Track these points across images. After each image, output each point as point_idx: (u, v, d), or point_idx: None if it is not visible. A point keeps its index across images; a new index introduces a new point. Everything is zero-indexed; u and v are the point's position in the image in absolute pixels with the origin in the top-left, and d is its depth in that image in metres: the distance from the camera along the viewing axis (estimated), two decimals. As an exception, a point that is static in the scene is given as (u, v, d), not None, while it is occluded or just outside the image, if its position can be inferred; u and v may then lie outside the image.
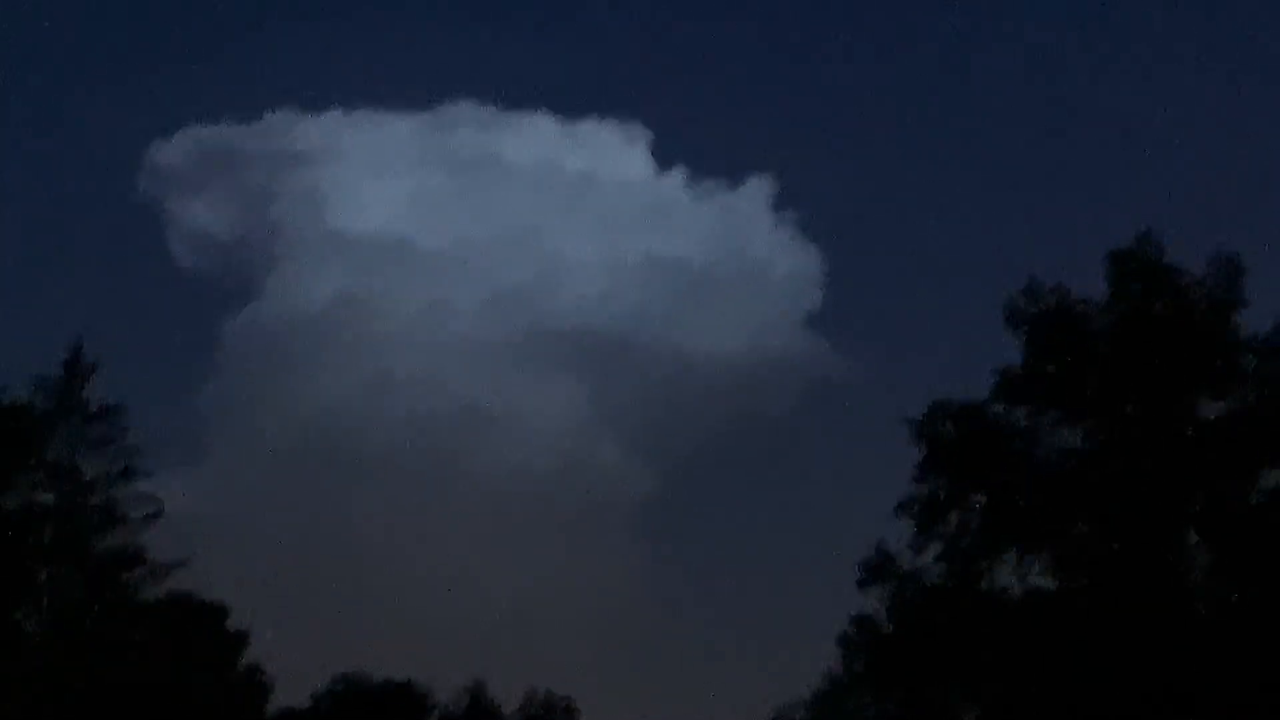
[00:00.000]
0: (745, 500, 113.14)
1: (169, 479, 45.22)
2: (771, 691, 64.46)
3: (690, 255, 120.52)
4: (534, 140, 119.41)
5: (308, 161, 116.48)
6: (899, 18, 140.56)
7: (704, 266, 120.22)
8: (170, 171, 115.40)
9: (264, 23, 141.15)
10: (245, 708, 52.93)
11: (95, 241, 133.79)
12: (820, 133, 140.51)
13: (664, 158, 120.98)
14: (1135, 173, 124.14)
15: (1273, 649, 31.01)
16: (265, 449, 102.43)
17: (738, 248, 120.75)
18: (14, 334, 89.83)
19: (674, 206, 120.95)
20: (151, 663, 41.90)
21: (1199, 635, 31.60)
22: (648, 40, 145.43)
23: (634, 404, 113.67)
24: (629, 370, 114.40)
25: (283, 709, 60.20)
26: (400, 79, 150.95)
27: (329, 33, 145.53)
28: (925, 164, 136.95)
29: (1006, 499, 34.24)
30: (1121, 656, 31.62)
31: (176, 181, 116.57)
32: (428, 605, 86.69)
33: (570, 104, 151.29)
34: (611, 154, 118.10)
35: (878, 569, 35.66)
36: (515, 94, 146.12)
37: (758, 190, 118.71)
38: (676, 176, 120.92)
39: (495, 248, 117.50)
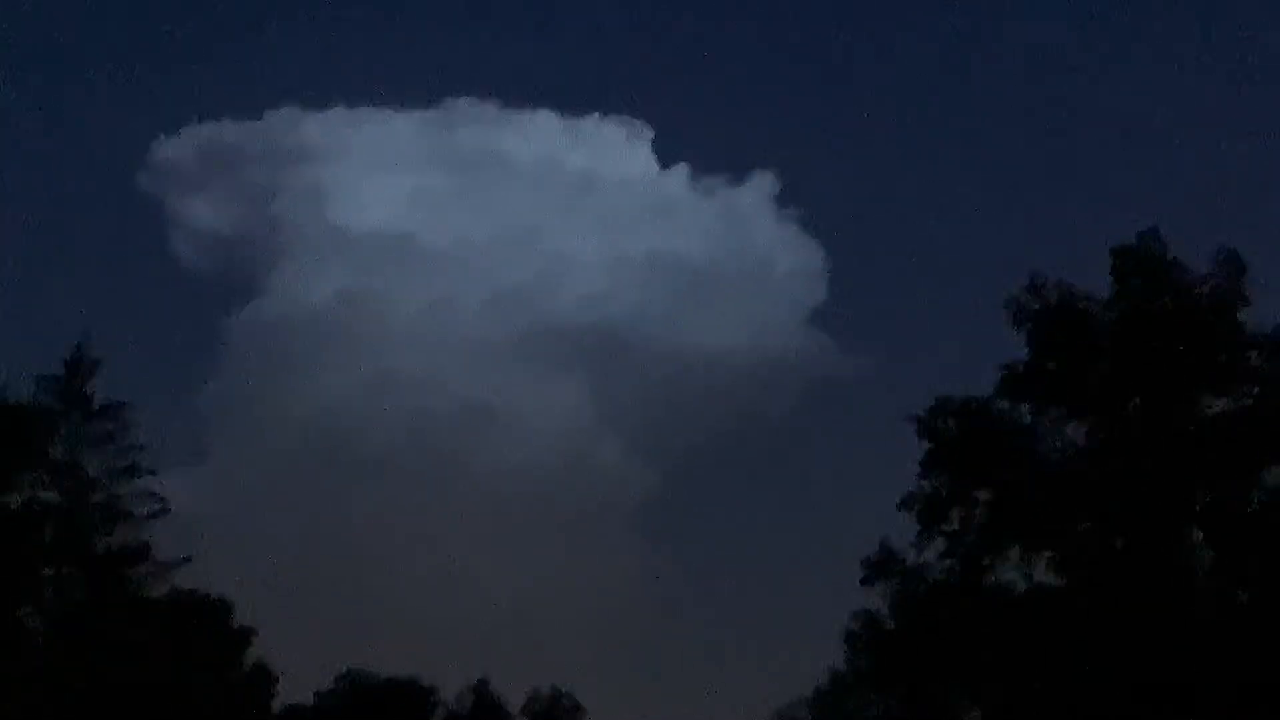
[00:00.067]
0: (746, 499, 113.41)
1: (170, 478, 45.16)
2: (772, 691, 64.71)
3: (692, 253, 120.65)
4: (536, 138, 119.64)
5: (309, 159, 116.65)
6: (899, 17, 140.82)
7: (706, 264, 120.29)
8: (172, 169, 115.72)
9: (266, 21, 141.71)
10: (249, 705, 52.86)
11: (97, 239, 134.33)
12: (822, 130, 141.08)
13: (666, 155, 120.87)
14: (1136, 171, 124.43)
15: (1275, 647, 30.99)
16: (266, 448, 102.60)
17: (740, 245, 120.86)
18: (16, 331, 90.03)
19: (676, 204, 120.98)
20: (155, 661, 41.76)
21: (1201, 632, 31.58)
22: (650, 38, 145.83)
23: (635, 403, 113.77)
24: (630, 369, 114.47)
25: (287, 706, 60.21)
26: (402, 76, 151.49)
27: (331, 30, 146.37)
28: (928, 161, 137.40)
29: (1010, 496, 34.22)
30: (1124, 653, 31.61)
31: (178, 179, 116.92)
32: (428, 604, 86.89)
33: (572, 101, 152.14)
34: (614, 151, 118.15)
35: (881, 565, 35.75)
36: (517, 91, 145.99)
37: (760, 187, 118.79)
38: (679, 174, 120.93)
39: (497, 245, 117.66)
